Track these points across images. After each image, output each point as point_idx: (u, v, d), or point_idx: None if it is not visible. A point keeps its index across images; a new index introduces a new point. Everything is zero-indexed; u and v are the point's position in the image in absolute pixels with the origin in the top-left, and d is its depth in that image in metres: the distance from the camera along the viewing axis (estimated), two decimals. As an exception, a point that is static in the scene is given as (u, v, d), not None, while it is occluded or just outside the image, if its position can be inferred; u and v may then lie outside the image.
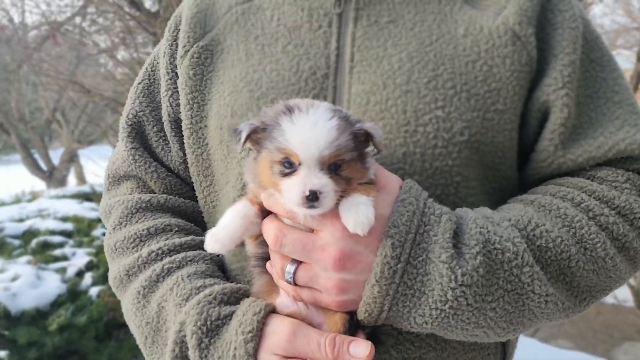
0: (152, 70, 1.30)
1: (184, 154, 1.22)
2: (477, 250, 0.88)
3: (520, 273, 0.90)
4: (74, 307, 3.46)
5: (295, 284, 0.92)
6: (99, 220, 5.29)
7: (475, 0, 1.09)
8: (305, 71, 1.08)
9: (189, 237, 1.16)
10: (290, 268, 0.91)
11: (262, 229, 0.94)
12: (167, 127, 1.23)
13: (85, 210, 5.51)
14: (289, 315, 0.94)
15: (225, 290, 1.00)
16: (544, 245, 0.93)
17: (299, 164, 0.84)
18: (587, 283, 0.97)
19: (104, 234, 4.67)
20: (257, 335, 0.90)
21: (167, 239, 1.14)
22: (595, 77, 1.09)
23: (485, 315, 0.90)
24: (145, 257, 1.11)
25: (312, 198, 0.82)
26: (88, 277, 3.83)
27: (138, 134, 1.25)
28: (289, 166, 0.86)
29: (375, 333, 0.94)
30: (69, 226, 4.95)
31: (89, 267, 4.02)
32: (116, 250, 1.17)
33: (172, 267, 1.08)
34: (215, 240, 0.92)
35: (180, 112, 1.20)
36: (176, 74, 1.21)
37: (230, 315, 0.96)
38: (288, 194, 0.85)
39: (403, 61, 1.04)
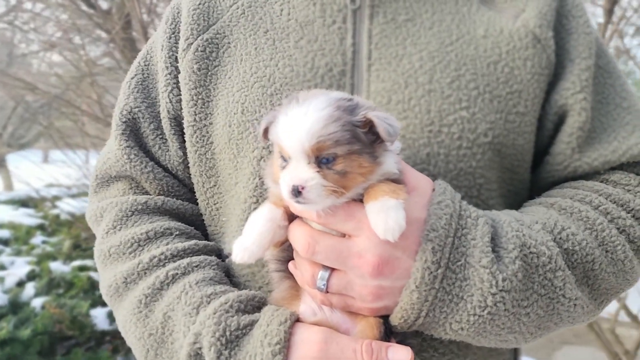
0: (145, 65, 1.22)
1: (184, 154, 1.15)
2: (515, 254, 0.86)
3: (554, 277, 0.89)
4: (16, 320, 3.21)
5: (327, 291, 0.87)
6: (38, 228, 4.99)
7: (491, 2, 1.09)
8: (321, 67, 1.04)
9: (192, 242, 1.08)
10: (323, 275, 0.86)
11: (289, 235, 0.89)
12: (165, 125, 1.15)
13: (22, 216, 5.18)
14: (315, 324, 0.88)
15: (242, 298, 0.94)
16: (570, 248, 0.93)
17: (289, 157, 0.81)
18: (606, 285, 0.98)
19: (44, 242, 4.33)
20: (285, 346, 0.84)
21: (168, 243, 1.07)
22: (604, 84, 1.11)
23: (519, 321, 0.89)
24: (146, 263, 1.03)
25: (296, 193, 0.78)
26: (30, 288, 3.58)
27: (133, 132, 1.16)
28: (284, 160, 0.82)
29: (404, 339, 0.91)
30: (5, 233, 4.63)
31: (31, 277, 3.76)
32: (110, 256, 1.08)
33: (177, 274, 1.01)
34: (244, 249, 0.85)
35: (182, 109, 1.13)
36: (176, 68, 1.14)
37: (250, 325, 0.90)
38: (281, 189, 0.81)
39: (424, 60, 1.02)
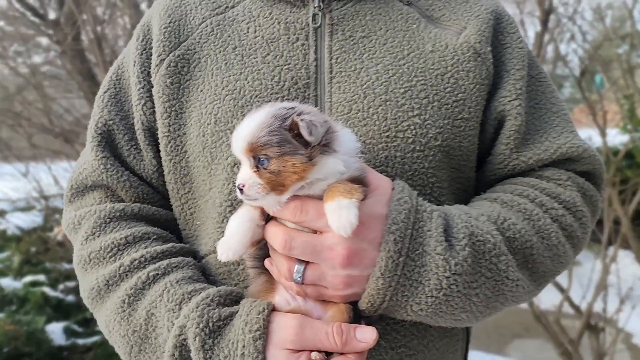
0: (117, 79, 1.29)
1: (158, 163, 1.22)
2: (465, 242, 0.98)
3: (498, 261, 1.02)
4: (-31, 339, 3.14)
5: (302, 283, 0.97)
6: (-17, 244, 4.83)
7: (437, 20, 1.22)
8: (287, 81, 1.14)
9: (169, 244, 1.15)
10: (299, 269, 0.96)
11: (265, 234, 0.98)
12: (140, 136, 1.22)
13: (-33, 233, 5.00)
14: (290, 312, 0.98)
15: (221, 293, 1.02)
16: (512, 236, 1.06)
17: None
18: (544, 269, 1.12)
19: (-8, 259, 4.16)
20: (265, 332, 0.94)
21: (147, 246, 1.13)
22: (536, 91, 1.25)
23: (470, 301, 1.00)
24: (127, 265, 1.10)
25: (240, 191, 0.92)
26: (-19, 305, 3.49)
27: (108, 143, 1.22)
28: None
29: (370, 323, 1.01)
30: (-51, 251, 4.47)
31: (-19, 294, 3.66)
32: (91, 261, 1.14)
33: (157, 274, 1.08)
34: (227, 248, 0.95)
35: (155, 121, 1.20)
36: (149, 82, 1.21)
37: (230, 316, 0.98)
38: None
39: (380, 73, 1.14)
